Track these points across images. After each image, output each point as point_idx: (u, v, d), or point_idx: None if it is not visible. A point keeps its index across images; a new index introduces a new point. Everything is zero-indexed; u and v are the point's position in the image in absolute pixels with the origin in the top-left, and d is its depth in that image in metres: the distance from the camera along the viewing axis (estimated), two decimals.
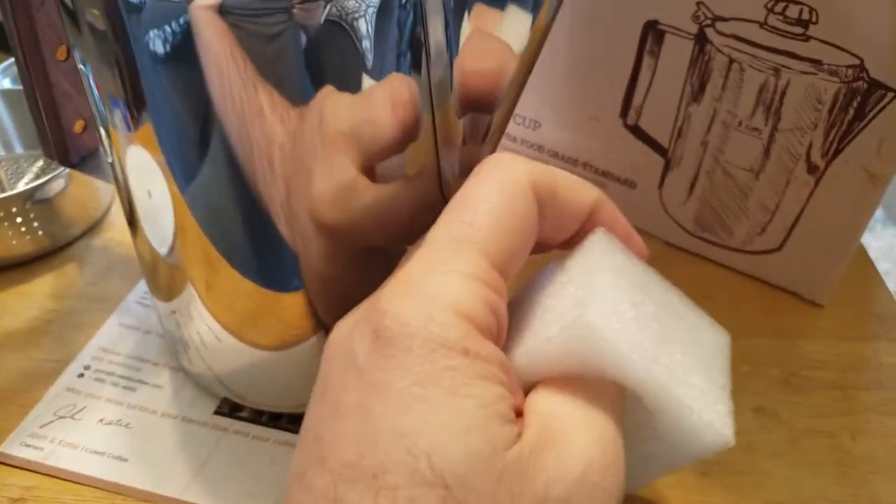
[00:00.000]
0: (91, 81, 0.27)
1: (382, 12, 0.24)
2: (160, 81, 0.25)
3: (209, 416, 0.34)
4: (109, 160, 0.31)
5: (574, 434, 0.20)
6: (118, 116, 0.27)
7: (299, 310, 0.31)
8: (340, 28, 0.23)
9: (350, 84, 0.24)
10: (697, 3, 0.37)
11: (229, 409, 0.35)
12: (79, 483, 0.32)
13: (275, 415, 0.35)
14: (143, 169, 0.28)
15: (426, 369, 0.19)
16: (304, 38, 0.23)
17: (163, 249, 0.31)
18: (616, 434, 0.21)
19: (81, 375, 0.36)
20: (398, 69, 0.25)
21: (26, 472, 0.32)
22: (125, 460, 0.32)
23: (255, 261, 0.30)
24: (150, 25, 0.23)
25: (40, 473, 0.32)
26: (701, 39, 0.37)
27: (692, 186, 0.42)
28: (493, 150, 0.31)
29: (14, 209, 0.40)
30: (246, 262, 0.30)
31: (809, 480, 0.33)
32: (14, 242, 0.41)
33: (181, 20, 0.23)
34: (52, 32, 0.35)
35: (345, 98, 0.24)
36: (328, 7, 0.23)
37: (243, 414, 0.35)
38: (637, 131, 0.43)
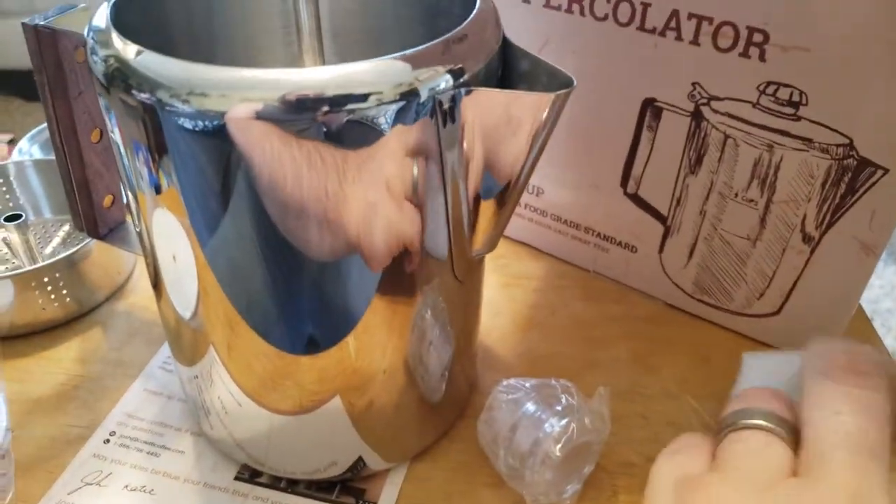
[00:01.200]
0: (124, 162, 0.29)
1: (401, 115, 0.26)
2: (190, 175, 0.27)
3: (230, 482, 0.36)
4: (137, 229, 0.33)
5: None
6: (146, 185, 0.29)
7: (316, 374, 0.33)
8: (360, 125, 0.25)
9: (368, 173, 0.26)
10: (693, 84, 0.39)
11: (249, 474, 0.36)
12: None
13: (292, 481, 0.36)
14: (169, 233, 0.30)
15: None
16: (323, 135, 0.25)
17: (186, 313, 0.33)
18: None
19: (107, 441, 0.38)
20: (415, 167, 0.27)
21: None
22: None
23: (273, 323, 0.31)
24: (183, 131, 0.25)
25: None
26: (697, 116, 0.40)
27: (691, 252, 0.44)
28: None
29: (46, 278, 0.42)
30: (265, 324, 0.31)
31: None
32: (44, 309, 0.43)
33: (215, 123, 0.25)
34: (87, 117, 0.37)
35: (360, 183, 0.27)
36: (350, 115, 0.25)
37: (262, 480, 0.36)
38: (637, 199, 0.45)
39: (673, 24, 0.38)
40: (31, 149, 0.56)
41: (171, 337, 0.36)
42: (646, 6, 0.38)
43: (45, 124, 0.60)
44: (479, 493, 0.36)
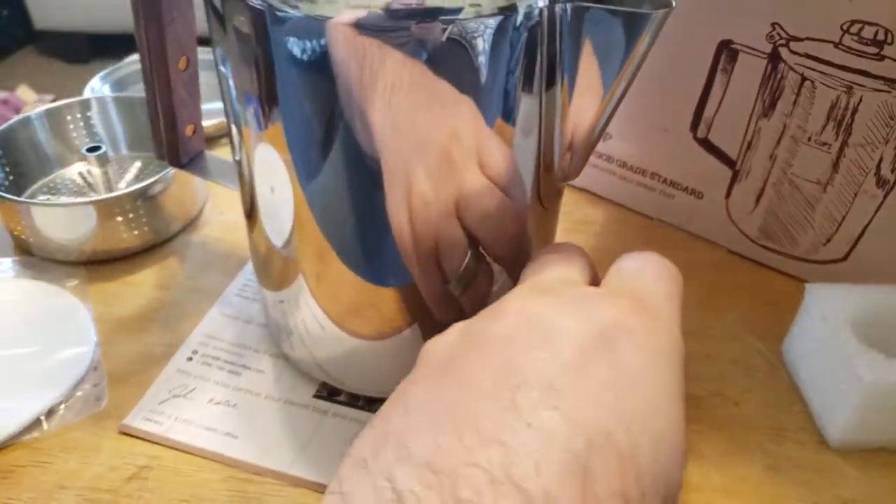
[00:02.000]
0: (230, 82, 0.30)
1: (499, 32, 0.26)
2: (295, 85, 0.28)
3: (309, 400, 0.37)
4: (236, 158, 0.34)
5: None
6: (251, 115, 0.30)
7: (397, 304, 0.34)
8: (459, 45, 0.26)
9: (466, 96, 0.27)
10: (772, 24, 0.39)
11: (328, 393, 0.38)
12: (195, 455, 0.35)
13: (370, 399, 0.38)
14: (269, 166, 0.31)
15: None
16: (423, 53, 0.26)
17: (279, 242, 0.34)
18: None
19: (190, 359, 0.39)
20: (509, 86, 0.28)
21: (149, 444, 0.35)
22: (235, 437, 0.35)
23: (362, 256, 0.32)
24: (291, 36, 0.26)
25: (161, 445, 0.35)
26: (774, 58, 0.39)
27: (759, 197, 0.44)
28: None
29: (127, 206, 0.44)
30: (354, 257, 0.32)
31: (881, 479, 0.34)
32: (124, 236, 0.45)
33: (319, 32, 0.26)
34: (176, 45, 0.38)
35: (461, 110, 0.27)
36: (449, 27, 0.25)
37: (341, 398, 0.37)
38: (706, 144, 0.45)
39: None
40: (101, 88, 0.58)
41: (259, 263, 0.37)
42: None
43: (115, 65, 0.62)
44: None
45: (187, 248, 0.47)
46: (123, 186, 0.51)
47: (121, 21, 1.97)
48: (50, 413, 0.36)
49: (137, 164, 0.53)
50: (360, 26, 0.25)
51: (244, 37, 0.28)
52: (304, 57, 0.27)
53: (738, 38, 0.40)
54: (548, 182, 0.33)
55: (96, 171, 0.49)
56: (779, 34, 0.39)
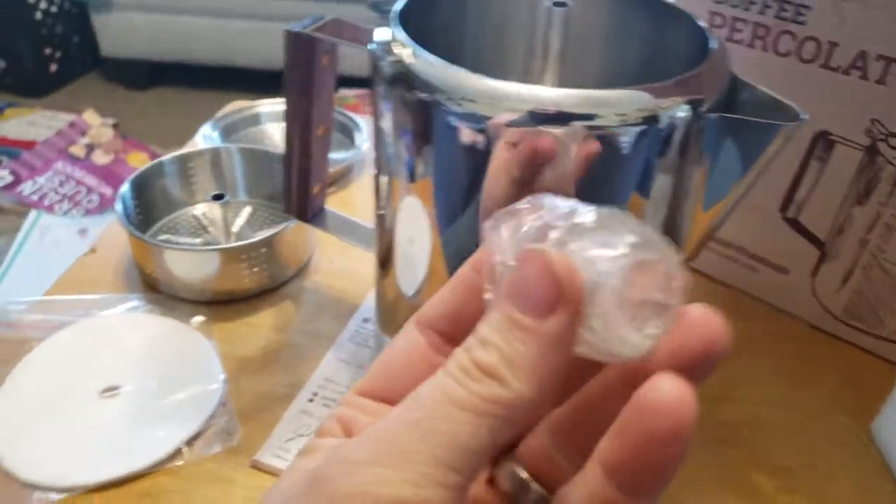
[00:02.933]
0: (387, 139, 0.34)
1: (640, 138, 0.29)
2: (451, 160, 0.31)
3: None
4: (381, 212, 0.37)
5: None
6: (403, 168, 0.34)
7: None
8: (604, 147, 0.29)
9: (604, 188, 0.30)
10: (872, 120, 0.41)
11: None
12: None
13: None
14: (413, 217, 0.34)
15: None
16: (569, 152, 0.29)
17: (409, 291, 0.37)
18: None
19: (311, 400, 0.42)
20: (643, 184, 0.31)
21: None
22: None
23: None
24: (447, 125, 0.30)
25: None
26: (872, 151, 0.42)
27: (846, 279, 0.46)
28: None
29: (252, 252, 0.48)
30: None
31: None
32: (246, 280, 0.49)
33: (473, 127, 0.29)
34: (318, 114, 0.42)
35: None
36: (594, 133, 0.28)
37: None
38: (795, 224, 0.47)
39: (860, 63, 0.41)
40: (212, 133, 0.63)
41: (384, 309, 0.40)
42: (833, 45, 0.41)
43: (223, 111, 0.66)
44: None
45: (301, 293, 0.51)
46: (236, 230, 0.55)
47: (179, 51, 2.06)
48: (189, 443, 0.39)
49: (248, 209, 0.57)
50: (513, 124, 0.28)
51: (407, 115, 0.32)
52: (459, 144, 0.30)
53: (836, 130, 0.43)
54: None
55: (217, 213, 0.53)
56: (878, 130, 0.41)
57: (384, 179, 0.36)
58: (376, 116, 0.35)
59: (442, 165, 0.32)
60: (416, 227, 0.35)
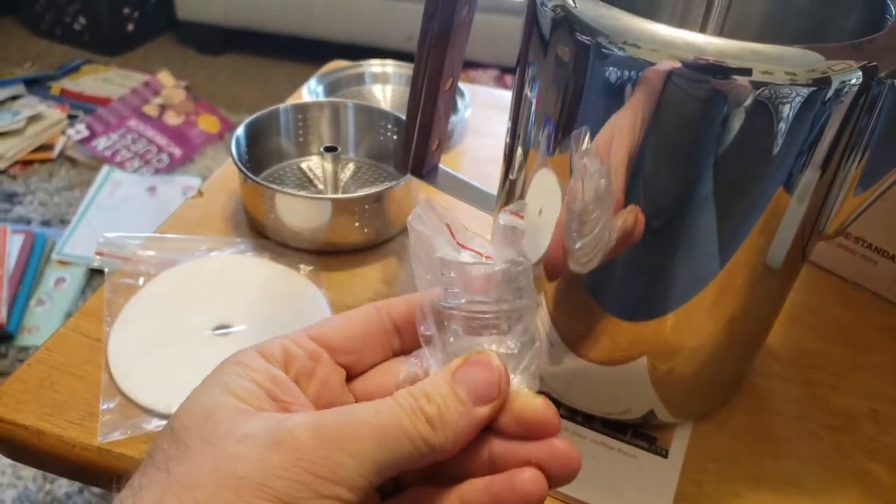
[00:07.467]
0: (531, 105, 0.33)
1: (808, 103, 0.28)
2: (599, 117, 0.30)
3: None
4: (512, 177, 0.37)
5: None
6: (543, 138, 0.33)
7: (632, 337, 0.36)
8: (765, 108, 0.28)
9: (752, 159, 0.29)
10: None
11: None
12: None
13: (588, 416, 0.40)
14: (546, 189, 0.34)
15: None
16: (727, 109, 0.28)
17: (532, 259, 0.37)
18: None
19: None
20: (802, 155, 0.30)
21: None
22: None
23: (609, 287, 0.35)
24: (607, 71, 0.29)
25: None
26: None
27: None
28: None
29: (365, 206, 0.48)
30: (601, 288, 0.35)
31: None
32: (353, 232, 0.49)
33: (634, 73, 0.28)
34: (449, 67, 0.42)
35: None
36: (760, 89, 0.27)
37: (560, 411, 0.40)
38: None
39: None
40: (317, 88, 0.63)
41: None
42: None
43: (326, 66, 0.67)
44: (762, 461, 0.38)
45: (404, 250, 0.51)
46: (342, 184, 0.56)
47: (254, 18, 2.09)
48: None
49: (351, 166, 0.58)
50: (679, 75, 0.28)
51: (564, 65, 0.31)
52: (617, 92, 0.29)
53: None
54: (809, 246, 0.34)
55: (328, 167, 0.53)
56: None
57: (519, 142, 0.36)
58: (523, 77, 0.34)
59: (597, 116, 0.31)
60: (547, 196, 0.34)
